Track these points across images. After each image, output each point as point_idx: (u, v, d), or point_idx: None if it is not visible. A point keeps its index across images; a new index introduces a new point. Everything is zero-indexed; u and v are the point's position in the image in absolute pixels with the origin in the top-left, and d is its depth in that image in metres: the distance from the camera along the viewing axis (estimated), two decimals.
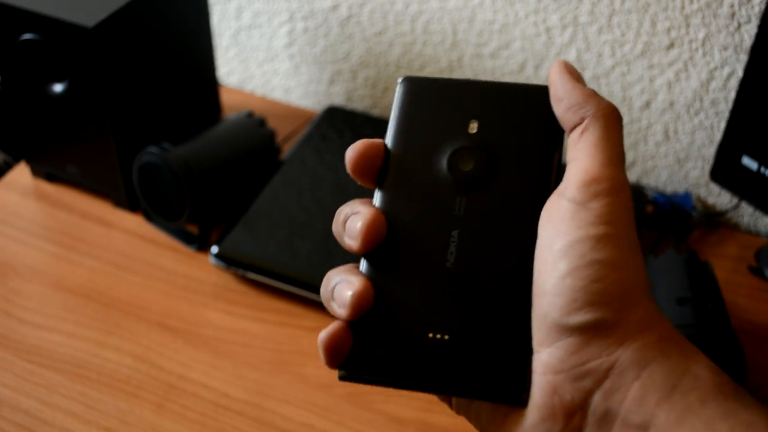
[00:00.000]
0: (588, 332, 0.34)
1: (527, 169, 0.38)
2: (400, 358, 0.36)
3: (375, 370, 0.37)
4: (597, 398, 0.34)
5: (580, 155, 0.37)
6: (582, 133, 0.37)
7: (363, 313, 0.37)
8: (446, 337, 0.36)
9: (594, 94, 0.38)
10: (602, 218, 0.35)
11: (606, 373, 0.34)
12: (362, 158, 0.40)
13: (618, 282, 0.34)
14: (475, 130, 0.39)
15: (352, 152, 0.40)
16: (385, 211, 0.39)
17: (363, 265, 0.39)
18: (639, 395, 0.33)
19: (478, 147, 0.39)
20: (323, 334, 0.37)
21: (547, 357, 0.35)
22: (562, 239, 0.35)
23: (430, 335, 0.37)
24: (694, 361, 0.34)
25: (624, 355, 0.34)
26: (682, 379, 0.33)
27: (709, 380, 0.33)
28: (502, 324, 0.36)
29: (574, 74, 0.39)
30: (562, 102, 0.38)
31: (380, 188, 0.39)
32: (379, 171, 0.40)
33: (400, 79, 0.41)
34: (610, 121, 0.37)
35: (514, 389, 0.35)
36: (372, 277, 0.38)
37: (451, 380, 0.36)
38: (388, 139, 0.40)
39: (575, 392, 0.34)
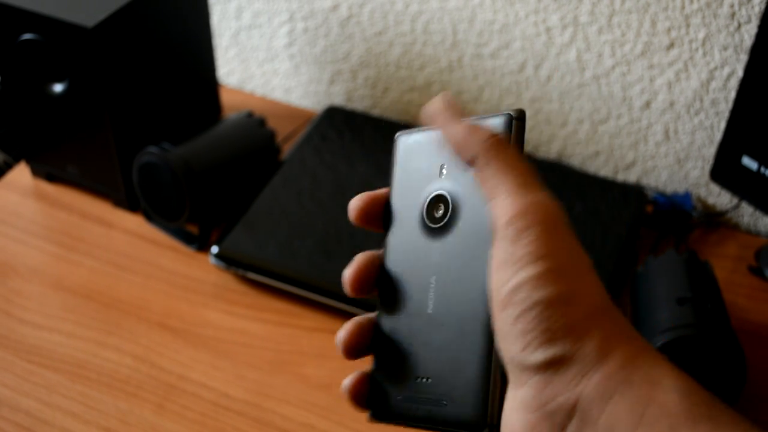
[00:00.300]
0: (548, 369, 0.34)
1: (480, 210, 0.38)
2: (403, 402, 0.39)
3: (389, 414, 0.40)
4: None
5: (492, 192, 0.37)
6: (481, 169, 0.37)
7: (352, 352, 0.41)
8: (428, 379, 0.39)
9: (474, 128, 0.38)
10: (536, 254, 0.35)
11: (573, 407, 0.34)
12: (362, 213, 0.43)
13: (564, 317, 0.34)
14: (443, 176, 0.40)
15: (354, 205, 0.43)
16: (387, 260, 0.42)
17: (377, 313, 0.42)
18: (607, 429, 0.33)
19: (444, 192, 0.40)
20: (346, 383, 0.41)
21: (521, 396, 0.35)
22: (505, 285, 0.35)
23: (418, 379, 0.39)
24: (661, 385, 0.34)
25: (587, 388, 0.34)
26: (648, 409, 0.33)
27: (677, 405, 0.33)
28: (465, 364, 0.38)
29: (452, 109, 0.39)
30: (449, 144, 0.39)
31: (384, 238, 0.42)
32: (383, 221, 0.43)
33: (396, 136, 0.43)
34: (499, 147, 0.37)
35: (478, 423, 0.37)
36: (380, 324, 0.41)
37: (436, 419, 0.38)
38: (390, 193, 0.43)
39: (551, 429, 0.35)
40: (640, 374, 0.34)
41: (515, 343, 0.35)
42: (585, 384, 0.34)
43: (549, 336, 0.34)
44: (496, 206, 0.36)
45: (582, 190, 0.90)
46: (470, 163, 0.38)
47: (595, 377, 0.34)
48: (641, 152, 0.95)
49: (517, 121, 0.38)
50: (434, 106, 0.39)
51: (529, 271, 0.35)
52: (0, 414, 0.72)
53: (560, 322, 0.34)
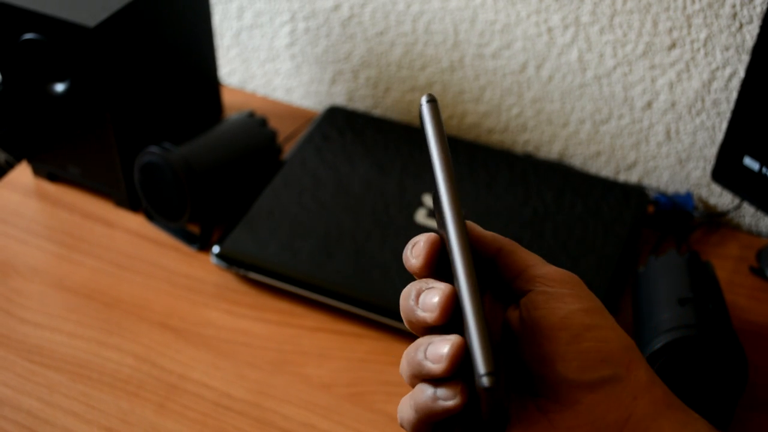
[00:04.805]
0: (605, 387, 0.38)
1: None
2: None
3: None
4: None
5: (529, 261, 0.41)
6: (513, 251, 0.42)
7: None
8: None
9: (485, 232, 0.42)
10: (578, 296, 0.39)
11: (624, 423, 0.38)
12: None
13: (619, 340, 0.39)
14: None
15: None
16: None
17: None
18: None
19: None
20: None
21: (571, 414, 0.38)
22: (555, 314, 0.39)
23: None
24: (695, 418, 0.39)
25: (638, 407, 0.38)
26: (687, 429, 0.38)
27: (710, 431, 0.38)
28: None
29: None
30: (477, 244, 0.42)
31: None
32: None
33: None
34: (513, 241, 0.42)
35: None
36: None
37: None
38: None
39: None
40: (680, 406, 0.39)
41: (569, 363, 0.38)
42: (636, 404, 0.38)
43: (607, 355, 0.38)
44: (539, 267, 0.41)
45: (583, 190, 0.90)
46: (497, 250, 0.41)
47: (645, 399, 0.38)
48: (643, 152, 0.95)
49: (432, 103, 0.41)
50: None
51: (579, 305, 0.39)
52: (1, 414, 0.73)
53: (616, 343, 0.38)
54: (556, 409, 0.39)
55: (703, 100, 0.88)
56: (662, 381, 0.40)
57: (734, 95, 0.86)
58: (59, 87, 0.86)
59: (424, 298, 0.39)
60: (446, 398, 0.37)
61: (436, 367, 0.37)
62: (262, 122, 0.93)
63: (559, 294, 0.39)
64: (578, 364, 0.38)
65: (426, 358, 0.38)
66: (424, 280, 0.40)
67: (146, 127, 0.90)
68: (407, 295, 0.40)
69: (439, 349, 0.37)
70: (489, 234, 0.42)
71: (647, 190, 0.95)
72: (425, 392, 0.38)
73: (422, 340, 0.39)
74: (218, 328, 0.80)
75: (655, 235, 0.90)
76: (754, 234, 0.93)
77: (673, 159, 0.94)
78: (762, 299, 0.84)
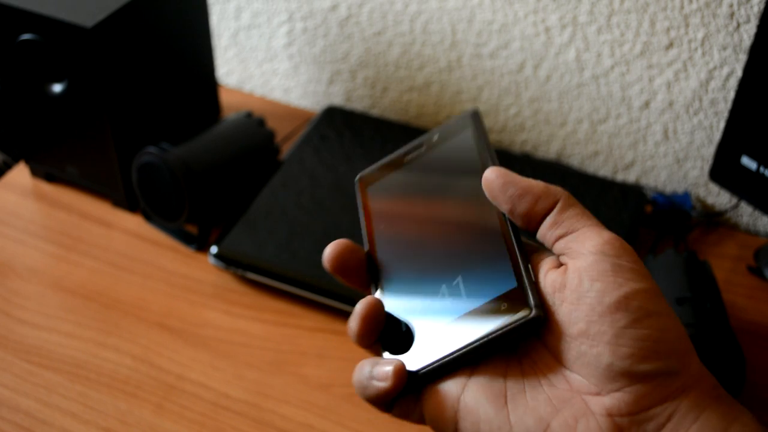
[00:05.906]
0: (655, 380, 0.36)
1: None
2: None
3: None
4: None
5: (579, 224, 0.39)
6: (564, 209, 0.40)
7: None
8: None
9: (547, 185, 0.41)
10: (642, 272, 0.37)
11: (668, 417, 0.36)
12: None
13: (677, 331, 0.37)
14: None
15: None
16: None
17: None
18: None
19: None
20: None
21: (611, 401, 0.36)
22: (617, 291, 0.36)
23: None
24: (742, 412, 0.37)
25: (685, 401, 0.36)
26: (733, 424, 0.36)
27: (757, 428, 0.36)
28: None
29: (509, 176, 0.42)
30: (527, 196, 0.41)
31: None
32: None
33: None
34: (572, 197, 0.41)
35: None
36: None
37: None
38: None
39: None
40: (727, 398, 0.37)
41: (622, 348, 0.36)
42: (684, 398, 0.36)
43: (664, 347, 0.36)
44: (589, 232, 0.39)
45: (581, 190, 0.90)
46: (550, 207, 0.40)
47: (693, 393, 0.36)
48: (640, 152, 0.95)
49: (477, 115, 0.47)
50: (493, 183, 0.41)
51: (642, 284, 0.37)
52: None
53: (674, 334, 0.37)
54: (583, 392, 0.37)
55: (700, 100, 0.88)
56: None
57: (732, 95, 0.86)
58: (57, 87, 0.86)
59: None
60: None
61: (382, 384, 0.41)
62: (260, 122, 0.93)
63: (620, 267, 0.37)
64: (631, 351, 0.36)
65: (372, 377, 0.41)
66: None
67: (144, 128, 0.90)
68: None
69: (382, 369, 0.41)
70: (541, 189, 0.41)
71: (645, 189, 0.95)
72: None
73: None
74: (216, 329, 0.80)
75: (652, 234, 0.90)
76: (751, 233, 0.93)
77: (671, 158, 0.94)
78: (760, 298, 0.84)
